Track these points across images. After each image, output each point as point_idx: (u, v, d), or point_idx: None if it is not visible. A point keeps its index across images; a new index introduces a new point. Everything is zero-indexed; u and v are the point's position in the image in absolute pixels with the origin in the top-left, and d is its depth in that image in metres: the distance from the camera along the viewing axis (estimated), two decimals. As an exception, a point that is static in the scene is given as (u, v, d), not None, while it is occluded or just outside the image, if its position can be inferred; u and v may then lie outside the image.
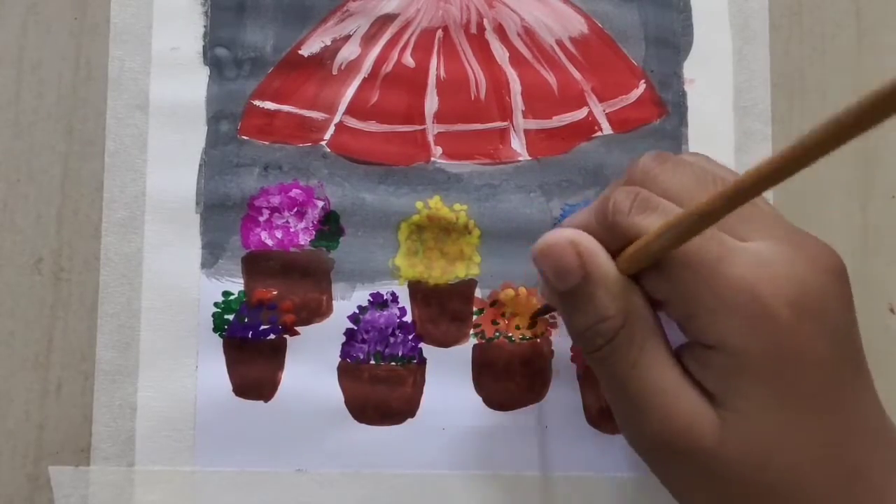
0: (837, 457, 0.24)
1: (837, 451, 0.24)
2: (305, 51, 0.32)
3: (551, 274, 0.25)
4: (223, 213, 0.31)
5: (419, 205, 0.32)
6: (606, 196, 0.25)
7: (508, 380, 0.31)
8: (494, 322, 0.31)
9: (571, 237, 0.25)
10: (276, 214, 0.31)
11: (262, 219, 0.31)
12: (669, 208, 0.24)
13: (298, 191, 0.31)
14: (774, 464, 0.24)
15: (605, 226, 0.25)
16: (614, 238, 0.25)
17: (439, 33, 0.33)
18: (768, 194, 0.32)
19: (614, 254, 0.25)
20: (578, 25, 0.33)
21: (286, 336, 0.31)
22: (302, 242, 0.31)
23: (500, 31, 0.33)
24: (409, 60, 0.32)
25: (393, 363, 0.31)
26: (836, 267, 0.24)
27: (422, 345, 0.31)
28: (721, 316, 0.23)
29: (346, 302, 0.31)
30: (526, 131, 0.32)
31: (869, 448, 0.24)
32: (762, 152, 0.33)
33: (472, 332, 0.31)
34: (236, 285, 0.31)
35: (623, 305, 0.24)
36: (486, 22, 0.33)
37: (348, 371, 0.31)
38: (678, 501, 0.27)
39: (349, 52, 0.32)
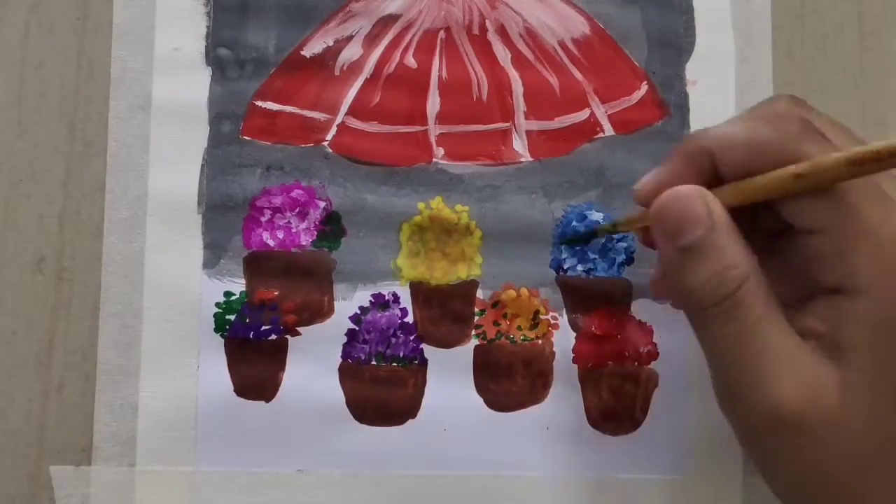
0: None
1: None
2: (308, 51, 0.32)
3: (676, 224, 0.24)
4: (225, 214, 0.31)
5: (421, 205, 0.32)
6: (780, 117, 0.24)
7: (510, 381, 0.31)
8: (496, 323, 0.31)
9: (698, 188, 0.24)
10: (278, 215, 0.31)
11: (263, 219, 0.31)
12: (833, 140, 0.23)
13: (300, 191, 0.31)
14: None
15: (782, 134, 0.24)
16: (783, 153, 0.23)
17: (441, 34, 0.33)
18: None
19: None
20: (580, 26, 0.33)
21: (287, 336, 0.31)
22: (303, 243, 0.31)
23: (503, 32, 0.33)
24: (411, 61, 0.32)
25: (394, 364, 0.31)
26: None
27: (423, 346, 0.31)
28: (881, 257, 0.22)
29: (348, 302, 0.31)
30: (528, 132, 0.32)
31: None
32: (764, 154, 0.33)
33: (473, 333, 0.31)
34: (238, 285, 0.31)
35: (747, 256, 0.24)
36: (488, 23, 0.33)
37: (349, 372, 0.31)
38: (777, 490, 0.25)
39: (351, 52, 0.32)
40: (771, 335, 0.23)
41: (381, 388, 0.31)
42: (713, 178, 0.25)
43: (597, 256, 0.32)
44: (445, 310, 0.31)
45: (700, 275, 0.24)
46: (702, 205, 0.24)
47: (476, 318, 0.31)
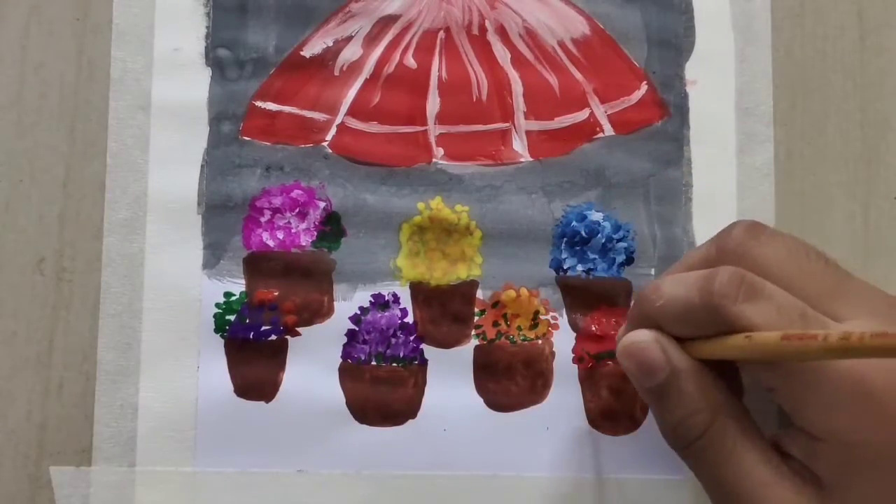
0: None
1: None
2: (307, 52, 0.32)
3: (637, 371, 0.26)
4: (225, 214, 0.31)
5: (421, 206, 0.32)
6: (709, 274, 0.25)
7: (510, 381, 0.31)
8: (496, 323, 0.31)
9: (655, 335, 0.25)
10: (278, 215, 0.31)
11: (263, 219, 0.31)
12: (775, 294, 0.24)
13: (300, 191, 0.31)
14: None
15: (710, 307, 0.24)
16: (718, 322, 0.24)
17: (441, 34, 0.33)
18: (770, 201, 0.33)
19: (707, 333, 0.25)
20: (580, 26, 0.33)
21: (287, 337, 0.31)
22: (303, 243, 0.31)
23: (502, 32, 0.33)
24: (410, 61, 0.32)
25: (394, 364, 0.31)
26: None
27: (423, 346, 0.31)
28: (832, 410, 0.23)
29: (348, 303, 0.31)
30: (527, 132, 0.32)
31: None
32: (764, 154, 0.33)
33: (473, 333, 0.31)
34: (238, 286, 0.31)
35: (712, 399, 0.25)
36: (487, 23, 0.33)
37: (349, 372, 0.31)
38: None
39: (351, 52, 0.32)
40: (746, 469, 0.24)
41: (381, 388, 0.31)
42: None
43: (597, 256, 0.32)
44: (445, 310, 0.31)
45: (668, 419, 0.26)
46: (658, 352, 0.25)
47: (476, 318, 0.31)
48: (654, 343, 0.25)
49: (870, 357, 0.21)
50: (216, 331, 0.31)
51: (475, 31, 0.33)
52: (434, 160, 0.32)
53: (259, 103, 0.32)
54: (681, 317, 0.25)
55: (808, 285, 0.24)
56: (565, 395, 0.31)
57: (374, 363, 0.31)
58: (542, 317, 0.32)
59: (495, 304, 0.32)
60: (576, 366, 0.31)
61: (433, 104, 0.32)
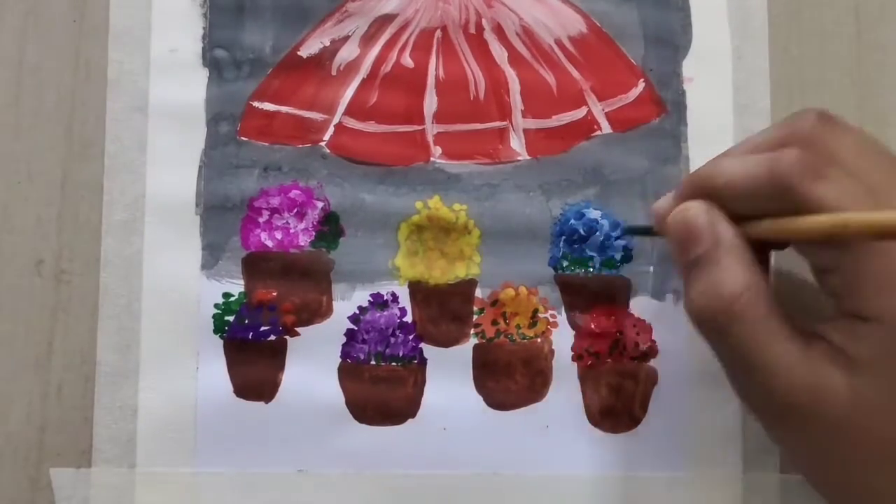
0: None
1: None
2: (304, 52, 0.32)
3: (683, 239, 0.26)
4: (223, 215, 0.31)
5: (419, 205, 0.32)
6: (778, 154, 0.24)
7: (509, 379, 0.31)
8: (495, 322, 0.31)
9: (706, 206, 0.26)
10: (276, 215, 0.31)
11: (261, 220, 0.31)
12: (844, 177, 0.24)
13: (298, 191, 0.31)
14: None
15: (778, 186, 0.24)
16: (785, 202, 0.24)
17: (438, 33, 0.33)
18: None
19: (767, 213, 0.25)
20: (577, 25, 0.33)
21: (286, 337, 0.31)
22: (302, 243, 0.31)
23: (499, 31, 0.33)
24: (407, 61, 0.32)
25: (393, 363, 0.31)
26: None
27: (422, 345, 0.31)
28: (888, 291, 0.23)
29: (347, 302, 0.31)
30: (525, 131, 0.32)
31: None
32: (762, 150, 0.33)
33: (472, 331, 0.31)
34: (236, 286, 0.31)
35: (748, 275, 0.25)
36: (484, 22, 0.33)
37: (349, 372, 0.31)
38: (805, 475, 0.27)
39: (348, 52, 0.32)
40: (773, 346, 0.24)
41: (381, 387, 0.31)
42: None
43: (595, 254, 0.32)
44: (444, 309, 0.31)
45: (701, 290, 0.25)
46: (706, 223, 0.25)
47: (475, 316, 0.31)
48: (704, 213, 0.26)
49: None
50: (215, 331, 0.31)
51: (472, 30, 0.33)
52: (432, 159, 0.32)
53: (256, 104, 0.32)
54: (745, 194, 0.25)
55: (876, 178, 0.24)
56: (565, 394, 0.31)
57: (373, 363, 0.31)
58: (540, 315, 0.32)
59: (494, 302, 0.32)
60: (575, 364, 0.31)
61: (430, 103, 0.32)
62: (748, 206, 0.25)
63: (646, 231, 0.30)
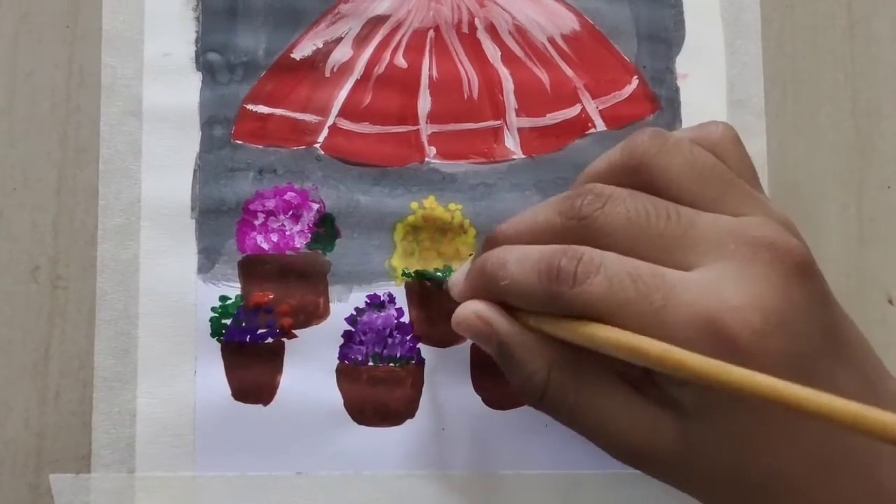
0: (815, 448, 0.24)
1: (815, 443, 0.24)
2: (297, 54, 0.32)
3: (474, 339, 0.27)
4: (219, 218, 0.31)
5: (414, 205, 0.32)
6: (551, 257, 0.25)
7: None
8: (492, 321, 0.31)
9: (475, 309, 0.26)
10: (272, 218, 0.31)
11: (257, 223, 0.31)
12: (610, 265, 0.24)
13: (293, 194, 0.31)
14: (748, 468, 0.24)
15: (550, 294, 0.24)
16: (559, 308, 0.24)
17: (431, 33, 0.33)
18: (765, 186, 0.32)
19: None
20: (570, 23, 0.33)
21: (284, 339, 0.31)
22: (298, 245, 0.31)
23: (492, 30, 0.33)
24: (401, 61, 0.32)
25: (391, 364, 0.31)
26: (796, 266, 0.24)
27: (420, 345, 0.31)
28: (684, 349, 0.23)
29: (344, 304, 0.31)
30: (519, 129, 0.32)
31: (852, 434, 0.24)
32: (756, 145, 0.33)
33: (469, 331, 0.31)
34: (233, 289, 0.31)
35: (546, 355, 0.25)
36: (477, 21, 0.33)
37: (347, 373, 0.31)
38: None
39: (341, 54, 0.32)
40: (595, 409, 0.25)
41: (379, 388, 0.31)
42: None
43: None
44: (441, 309, 0.31)
45: (512, 380, 0.26)
46: (482, 326, 0.26)
47: (472, 316, 0.31)
48: (474, 317, 0.26)
49: (692, 379, 0.22)
50: (212, 335, 0.31)
51: (465, 30, 0.33)
52: (426, 159, 0.32)
53: (250, 106, 0.32)
54: (524, 300, 0.25)
55: (652, 244, 0.24)
56: (563, 392, 0.31)
57: (371, 364, 0.31)
58: (538, 313, 0.32)
59: (491, 301, 0.31)
60: (573, 362, 0.31)
61: (424, 103, 0.32)
62: (532, 307, 0.25)
63: (437, 284, 0.31)
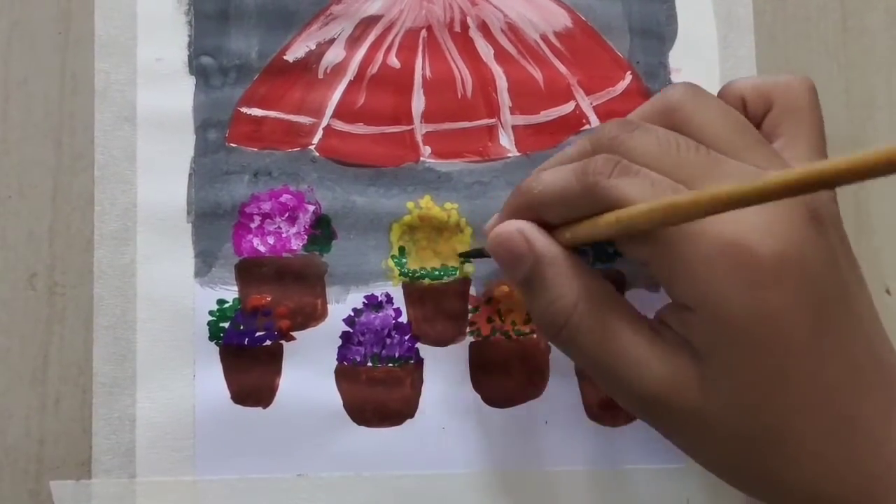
0: (826, 405, 0.24)
1: (826, 399, 0.24)
2: (290, 56, 0.32)
3: (506, 263, 0.26)
4: (215, 222, 0.31)
5: (410, 205, 0.32)
6: (586, 160, 0.25)
7: (506, 377, 0.31)
8: (490, 319, 0.31)
9: (518, 225, 0.26)
10: (268, 220, 0.31)
11: (253, 225, 0.31)
12: (649, 173, 0.24)
13: (289, 196, 0.31)
14: (761, 414, 0.24)
15: (586, 186, 0.25)
16: (593, 201, 0.25)
17: (423, 33, 0.33)
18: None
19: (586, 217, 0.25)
20: (562, 19, 0.33)
21: (282, 341, 0.31)
22: (294, 247, 0.31)
23: (484, 29, 0.33)
24: (394, 61, 0.32)
25: (390, 364, 0.31)
26: (817, 212, 0.24)
27: (418, 345, 0.31)
28: (702, 275, 0.24)
29: (341, 305, 0.31)
30: (514, 127, 0.32)
31: (863, 393, 0.24)
32: (751, 139, 0.33)
33: (468, 330, 0.31)
34: (230, 293, 0.31)
35: (576, 283, 0.25)
36: (469, 20, 0.33)
37: (346, 374, 0.31)
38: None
39: (334, 55, 0.32)
40: (618, 348, 0.25)
41: (378, 389, 0.31)
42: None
43: (588, 248, 0.32)
44: (439, 308, 0.31)
45: (535, 307, 0.26)
46: (522, 242, 0.26)
47: (470, 315, 0.31)
48: (517, 233, 0.26)
49: (732, 209, 0.21)
50: (211, 338, 0.31)
51: (457, 29, 0.33)
52: (421, 159, 0.32)
53: (244, 109, 0.32)
54: (558, 200, 0.25)
55: (681, 171, 0.25)
56: (562, 388, 0.31)
57: (369, 364, 0.31)
58: (535, 311, 0.32)
59: (489, 300, 0.32)
60: (572, 358, 0.31)
61: (418, 103, 0.32)
62: (564, 212, 0.26)
63: (479, 254, 0.31)
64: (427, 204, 0.32)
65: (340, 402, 0.31)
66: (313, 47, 0.32)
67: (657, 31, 0.33)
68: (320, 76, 0.32)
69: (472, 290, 0.32)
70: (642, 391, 0.25)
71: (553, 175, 0.26)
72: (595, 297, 0.25)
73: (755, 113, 0.28)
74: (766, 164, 0.25)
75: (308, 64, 0.32)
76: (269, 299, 0.31)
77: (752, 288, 0.23)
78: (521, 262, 0.26)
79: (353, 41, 0.32)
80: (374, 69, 0.32)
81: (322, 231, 0.31)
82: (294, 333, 0.31)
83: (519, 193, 0.27)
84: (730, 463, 0.26)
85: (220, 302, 0.31)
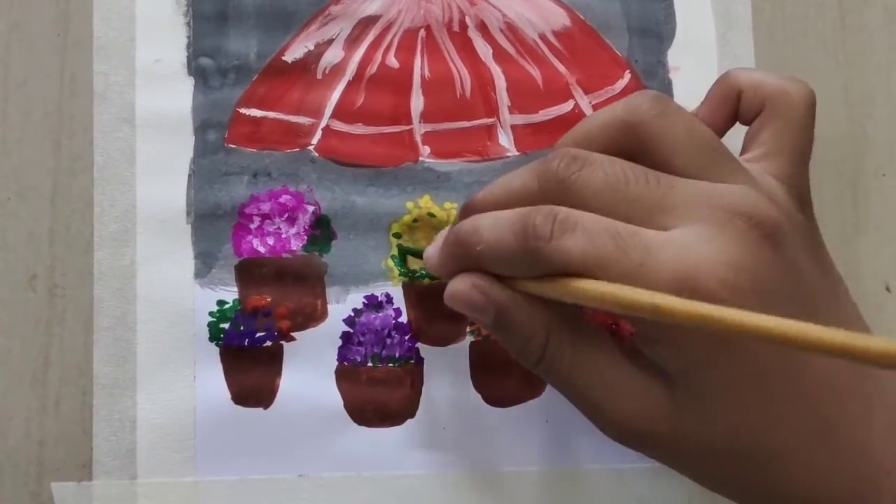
0: (808, 413, 0.24)
1: (807, 407, 0.24)
2: (289, 56, 0.32)
3: (470, 314, 0.26)
4: (214, 223, 0.31)
5: (409, 205, 0.32)
6: (526, 216, 0.24)
7: (507, 376, 0.31)
8: (490, 319, 0.31)
9: (472, 281, 0.26)
10: (267, 221, 0.31)
11: (253, 226, 0.31)
12: (587, 223, 0.24)
13: (288, 196, 0.31)
14: (742, 434, 0.24)
15: (527, 251, 0.24)
16: (537, 265, 0.24)
17: (422, 33, 0.33)
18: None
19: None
20: (561, 18, 0.33)
21: (282, 342, 0.31)
22: (294, 248, 0.31)
23: (483, 28, 0.33)
24: (392, 61, 0.32)
25: (390, 364, 0.31)
26: (770, 234, 0.24)
27: (418, 345, 0.31)
28: (674, 341, 0.24)
29: (341, 305, 0.31)
30: (513, 127, 0.32)
31: (843, 398, 0.24)
32: (750, 137, 0.33)
33: (468, 329, 0.31)
34: (230, 294, 0.31)
35: (543, 320, 0.25)
36: (468, 19, 0.33)
37: (346, 374, 0.31)
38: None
39: (333, 55, 0.32)
40: (591, 376, 0.25)
41: (379, 389, 0.31)
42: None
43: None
44: (439, 308, 0.31)
45: (510, 348, 0.26)
46: (479, 297, 0.25)
47: (470, 314, 0.31)
48: (472, 289, 0.26)
49: (680, 322, 0.21)
50: (211, 339, 0.31)
51: (456, 28, 0.33)
52: (421, 159, 0.32)
53: (243, 110, 0.32)
54: (501, 261, 0.25)
55: (629, 207, 0.24)
56: (563, 388, 0.31)
57: (370, 364, 0.31)
58: (535, 310, 0.32)
59: (489, 299, 0.31)
60: (572, 357, 0.31)
61: (417, 103, 0.32)
62: (510, 271, 0.25)
63: (419, 255, 0.30)
64: (426, 204, 0.32)
65: (341, 402, 0.31)
66: (312, 48, 0.32)
67: (656, 30, 0.33)
68: (319, 76, 0.32)
69: (472, 290, 0.32)
70: (619, 419, 0.25)
71: (493, 233, 0.25)
72: (564, 330, 0.25)
73: (747, 109, 0.28)
74: (732, 180, 0.25)
75: (307, 64, 0.32)
76: (269, 300, 0.31)
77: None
78: (485, 313, 0.26)
79: (352, 41, 0.32)
80: (372, 69, 0.32)
81: (322, 231, 0.31)
82: (294, 334, 0.31)
83: (458, 244, 0.26)
84: (718, 481, 0.26)
85: (220, 303, 0.31)
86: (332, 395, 0.31)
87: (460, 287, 0.26)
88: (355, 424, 0.31)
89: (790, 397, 0.24)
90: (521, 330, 0.25)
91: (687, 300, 0.21)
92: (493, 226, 0.25)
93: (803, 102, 0.28)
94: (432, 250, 0.28)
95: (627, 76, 0.33)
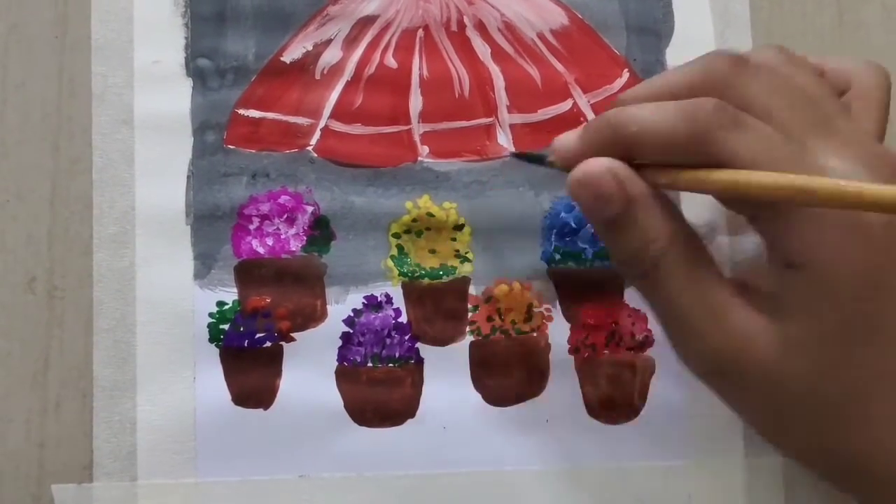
0: None
1: None
2: (287, 57, 0.32)
3: (592, 203, 0.24)
4: (213, 224, 0.31)
5: (408, 205, 0.32)
6: (694, 102, 0.23)
7: (507, 375, 0.31)
8: (490, 318, 0.31)
9: (609, 165, 0.24)
10: (267, 222, 0.31)
11: (252, 227, 0.31)
12: (760, 127, 0.23)
13: (287, 197, 0.31)
14: (845, 376, 0.24)
15: (694, 135, 0.23)
16: (700, 152, 0.23)
17: (420, 33, 0.33)
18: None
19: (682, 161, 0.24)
20: (559, 17, 0.33)
21: (282, 343, 0.31)
22: (293, 248, 0.31)
23: (481, 28, 0.33)
24: (391, 61, 0.32)
25: (390, 364, 0.31)
26: None
27: (418, 345, 0.31)
28: (815, 234, 0.23)
29: (341, 306, 0.31)
30: (512, 126, 0.32)
31: None
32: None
33: (468, 329, 0.31)
34: (230, 294, 0.31)
35: (669, 227, 0.24)
36: (466, 19, 0.33)
37: (346, 375, 0.31)
38: (756, 430, 0.27)
39: (331, 56, 0.32)
40: (701, 296, 0.24)
41: (379, 389, 0.31)
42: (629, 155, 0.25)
43: (587, 246, 0.32)
44: (439, 308, 0.31)
45: (622, 249, 0.25)
46: (613, 183, 0.24)
47: (470, 314, 0.31)
48: (607, 173, 0.24)
49: (874, 210, 0.22)
50: (211, 340, 0.31)
51: (454, 28, 0.33)
52: (420, 159, 0.32)
53: (242, 111, 0.32)
54: (659, 145, 0.24)
55: (793, 123, 0.24)
56: (563, 387, 0.31)
57: (370, 365, 0.31)
58: (535, 309, 0.32)
59: (488, 299, 0.32)
60: (572, 357, 0.31)
61: (416, 103, 0.32)
62: (660, 156, 0.24)
63: (538, 159, 0.28)
64: (425, 204, 0.32)
65: (341, 402, 0.31)
66: (310, 48, 0.32)
67: (654, 28, 0.33)
68: (317, 77, 0.32)
69: (472, 290, 0.32)
70: (718, 344, 0.24)
71: (655, 114, 0.24)
72: (685, 244, 0.24)
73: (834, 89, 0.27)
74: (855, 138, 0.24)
75: (305, 65, 0.32)
76: (268, 301, 0.31)
77: (864, 251, 0.23)
78: (610, 204, 0.24)
79: (350, 42, 0.32)
80: (371, 69, 0.32)
81: (321, 232, 0.31)
82: (294, 334, 0.31)
83: (607, 127, 0.25)
84: (799, 429, 0.25)
85: (220, 304, 0.31)
86: (332, 396, 0.31)
87: (594, 168, 0.24)
88: (355, 425, 0.31)
89: (887, 356, 0.24)
90: (644, 231, 0.24)
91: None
92: (655, 109, 0.24)
93: (886, 84, 0.27)
94: (568, 136, 0.26)
95: (626, 75, 0.33)
